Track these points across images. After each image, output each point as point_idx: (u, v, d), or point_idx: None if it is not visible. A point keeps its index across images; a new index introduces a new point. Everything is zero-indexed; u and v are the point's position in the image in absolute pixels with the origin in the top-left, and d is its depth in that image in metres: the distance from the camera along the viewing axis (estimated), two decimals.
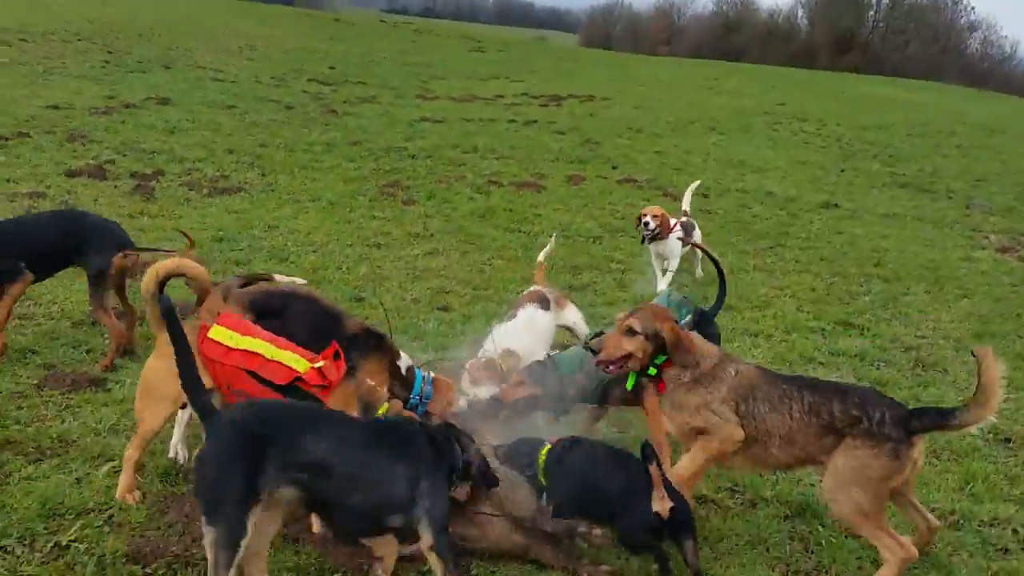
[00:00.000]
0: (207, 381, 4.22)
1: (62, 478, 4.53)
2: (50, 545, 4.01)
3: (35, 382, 5.55)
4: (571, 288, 8.28)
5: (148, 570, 3.93)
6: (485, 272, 8.65)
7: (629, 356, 4.44)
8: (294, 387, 4.24)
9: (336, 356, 4.37)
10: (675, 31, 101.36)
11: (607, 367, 4.53)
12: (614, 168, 14.73)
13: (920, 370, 7.05)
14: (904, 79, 47.06)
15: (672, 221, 8.52)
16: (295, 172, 12.31)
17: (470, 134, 16.74)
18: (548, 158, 15.11)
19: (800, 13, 79.05)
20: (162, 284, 4.32)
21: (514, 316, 5.96)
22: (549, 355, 5.36)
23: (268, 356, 4.27)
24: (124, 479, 4.43)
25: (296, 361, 4.29)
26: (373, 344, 4.71)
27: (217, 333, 4.25)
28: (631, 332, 4.43)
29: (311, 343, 4.47)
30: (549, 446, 4.45)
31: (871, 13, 70.76)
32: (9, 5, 27.55)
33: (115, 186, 10.63)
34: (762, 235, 10.96)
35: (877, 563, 4.31)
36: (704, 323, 5.52)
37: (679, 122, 20.34)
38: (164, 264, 4.35)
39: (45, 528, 4.13)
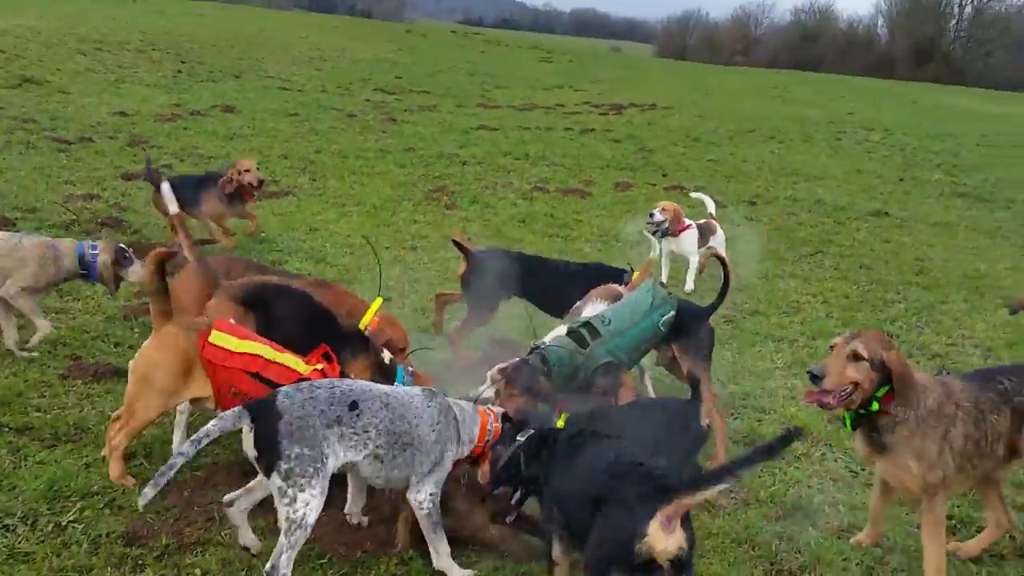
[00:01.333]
0: (202, 390, 4.42)
1: (72, 463, 4.71)
2: (50, 525, 4.18)
3: (60, 372, 5.78)
4: None
5: (140, 551, 4.07)
6: None
7: (856, 386, 3.96)
8: None
9: (327, 357, 4.49)
10: (752, 41, 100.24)
11: (827, 400, 3.99)
12: (664, 175, 14.66)
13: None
14: (986, 90, 45.84)
15: (687, 221, 8.46)
16: (345, 177, 12.55)
17: (524, 142, 16.83)
18: (599, 165, 15.12)
19: (880, 22, 77.62)
20: (161, 273, 4.45)
21: (578, 312, 5.77)
22: (538, 345, 5.20)
23: (270, 358, 4.39)
24: (115, 466, 4.54)
25: (296, 363, 4.42)
26: (362, 344, 4.91)
27: (218, 338, 4.35)
28: (856, 358, 3.95)
29: (304, 340, 4.63)
30: None
31: (953, 23, 69.01)
32: (87, 16, 28.55)
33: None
34: (804, 242, 10.80)
35: (862, 564, 4.27)
36: (696, 321, 5.50)
37: (739, 131, 20.14)
38: (159, 251, 4.48)
39: (48, 509, 4.30)
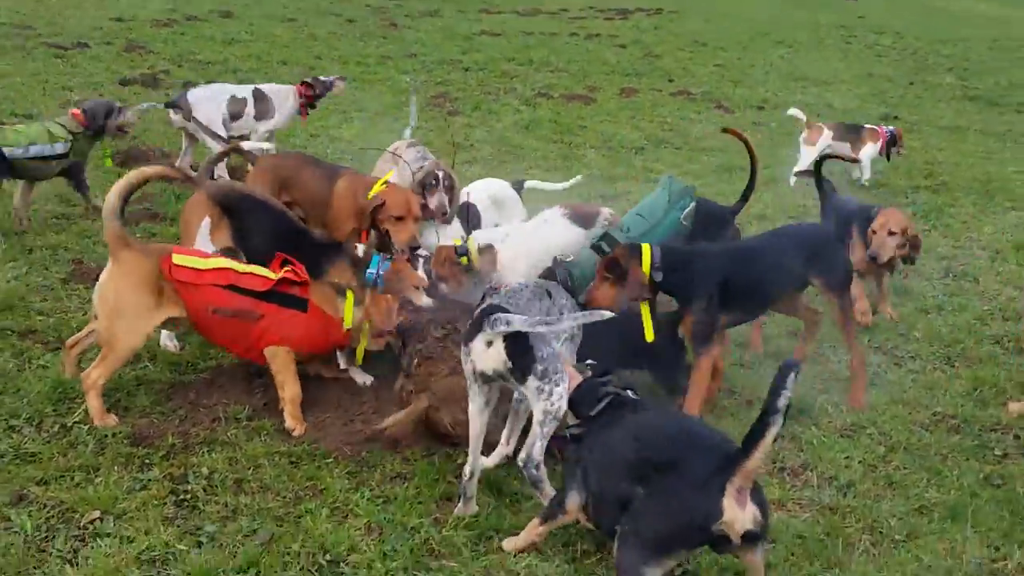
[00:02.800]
0: (176, 310, 4.33)
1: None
2: (56, 426, 4.21)
3: (62, 276, 5.76)
4: (603, 198, 8.19)
5: (147, 451, 4.09)
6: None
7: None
8: (276, 293, 4.38)
9: (284, 263, 4.48)
10: None
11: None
12: (670, 81, 14.40)
13: (949, 279, 6.90)
14: None
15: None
16: (346, 83, 12.30)
17: (528, 48, 16.50)
18: (604, 71, 14.83)
19: None
20: (126, 198, 4.33)
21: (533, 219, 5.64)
22: (559, 260, 5.06)
23: (240, 270, 4.40)
24: (94, 403, 4.25)
25: (264, 272, 4.44)
26: (334, 249, 4.95)
27: (181, 259, 4.29)
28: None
29: (271, 253, 4.63)
30: None
31: None
32: None
33: (166, 94, 10.77)
34: None
35: (864, 462, 4.30)
36: (723, 221, 5.39)
37: (748, 36, 19.71)
38: (130, 176, 4.38)
39: (54, 410, 4.33)
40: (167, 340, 5.03)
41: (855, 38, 20.33)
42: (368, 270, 4.81)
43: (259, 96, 7.98)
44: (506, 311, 3.58)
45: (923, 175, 9.75)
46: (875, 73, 16.23)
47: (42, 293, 5.51)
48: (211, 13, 17.06)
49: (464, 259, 5.21)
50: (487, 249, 5.27)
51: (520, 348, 3.55)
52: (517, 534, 3.65)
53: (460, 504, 3.80)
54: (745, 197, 5.50)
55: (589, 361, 4.01)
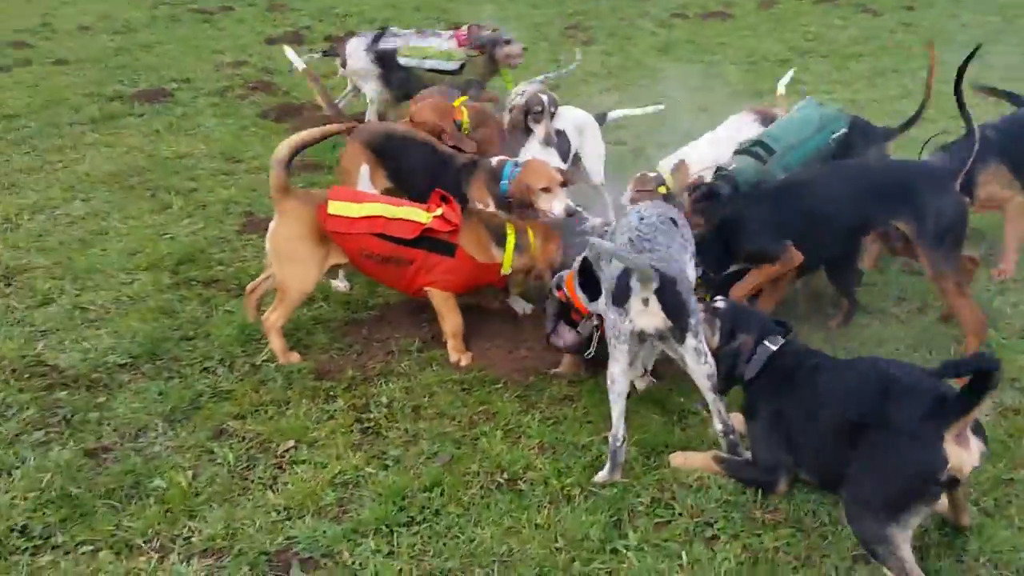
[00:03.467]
0: (338, 256, 4.54)
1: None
2: (246, 366, 4.52)
3: (236, 228, 6.11)
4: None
5: (330, 384, 4.36)
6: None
7: None
8: (425, 239, 4.46)
9: (444, 199, 4.55)
10: None
11: None
12: None
13: None
14: None
15: None
16: (480, 22, 12.36)
17: None
18: None
19: None
20: (297, 151, 4.47)
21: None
22: (721, 169, 4.93)
23: (391, 216, 4.47)
24: (276, 343, 4.52)
25: (417, 214, 4.50)
26: (472, 169, 5.07)
27: (336, 207, 4.41)
28: None
29: (428, 181, 4.84)
30: None
31: None
32: None
33: (310, 49, 11.11)
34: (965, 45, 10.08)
35: None
36: (871, 141, 5.22)
37: None
38: (304, 134, 4.52)
39: (242, 351, 4.64)
40: (338, 282, 5.29)
41: None
42: (501, 182, 4.90)
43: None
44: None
45: None
46: None
47: (219, 245, 5.87)
48: None
49: (662, 188, 5.11)
50: (679, 165, 5.24)
51: (677, 302, 3.47)
52: (686, 450, 3.73)
53: (606, 472, 3.61)
54: (907, 125, 5.27)
55: (719, 298, 3.85)
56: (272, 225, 4.53)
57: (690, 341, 3.50)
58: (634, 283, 3.47)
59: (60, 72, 9.80)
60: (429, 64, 7.17)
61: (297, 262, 4.48)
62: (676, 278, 3.51)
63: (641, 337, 3.57)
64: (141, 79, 9.56)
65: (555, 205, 4.74)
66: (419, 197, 4.74)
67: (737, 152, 5.00)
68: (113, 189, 6.73)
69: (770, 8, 12.55)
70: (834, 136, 5.04)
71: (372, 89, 7.56)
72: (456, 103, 5.79)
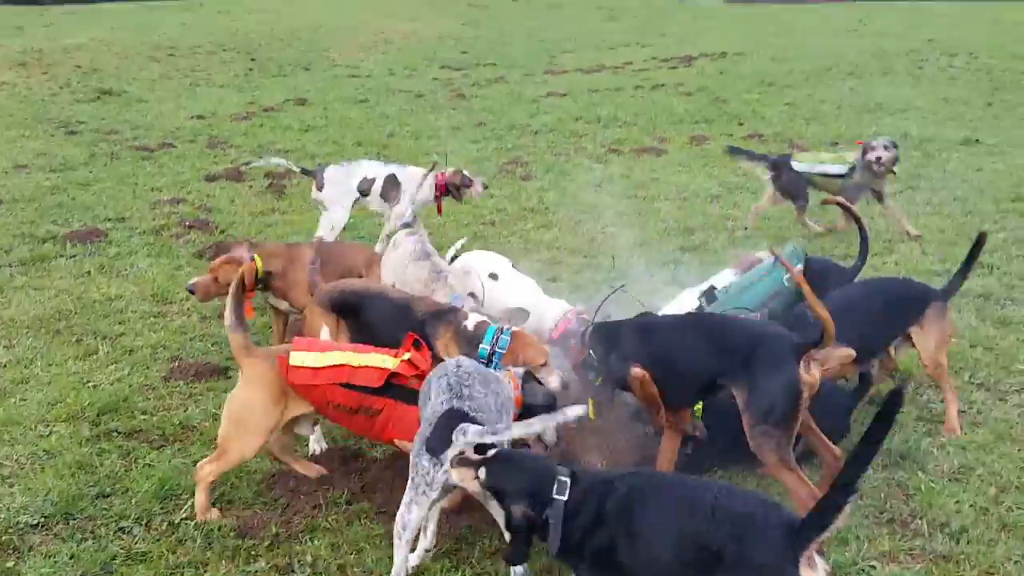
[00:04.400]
0: (302, 407, 4.37)
1: (181, 462, 4.86)
2: (164, 524, 4.34)
3: (163, 375, 5.97)
4: (683, 249, 8.21)
5: (252, 542, 4.19)
6: (596, 240, 8.65)
7: None
8: (390, 386, 4.25)
9: (416, 344, 4.41)
10: None
11: None
12: (740, 125, 14.35)
13: None
14: None
15: None
16: (419, 159, 12.59)
17: (594, 104, 16.64)
18: (672, 121, 14.86)
19: None
20: (238, 308, 4.38)
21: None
22: (710, 290, 5.19)
23: (356, 364, 4.29)
24: (201, 499, 4.38)
25: (383, 360, 4.32)
26: (440, 317, 4.84)
27: (298, 359, 4.27)
28: None
29: (390, 333, 4.68)
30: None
31: None
32: (157, 24, 29.15)
33: (249, 187, 11.19)
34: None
35: (975, 506, 4.16)
36: (841, 282, 5.36)
37: (815, 71, 19.55)
38: (232, 291, 4.41)
39: (161, 508, 4.46)
40: (315, 444, 5.08)
41: (926, 62, 20.01)
42: (481, 346, 4.61)
43: (391, 179, 8.11)
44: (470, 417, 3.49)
45: (1010, 199, 9.48)
46: (950, 97, 15.90)
47: (144, 392, 5.72)
48: (286, 103, 17.66)
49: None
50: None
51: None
52: None
53: None
54: (862, 256, 5.57)
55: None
56: (235, 390, 4.43)
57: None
58: (456, 435, 3.40)
59: None
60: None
61: (245, 430, 4.33)
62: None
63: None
64: (75, 219, 9.49)
65: (552, 380, 4.56)
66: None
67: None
68: (39, 334, 6.58)
69: (702, 144, 12.96)
70: (786, 276, 5.13)
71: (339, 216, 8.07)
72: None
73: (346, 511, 4.46)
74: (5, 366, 6.04)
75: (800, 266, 5.31)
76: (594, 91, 18.36)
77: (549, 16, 40.92)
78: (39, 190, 10.65)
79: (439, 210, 8.31)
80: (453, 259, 6.21)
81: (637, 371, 4.21)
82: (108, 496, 4.56)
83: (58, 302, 7.19)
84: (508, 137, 14.01)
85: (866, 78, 18.43)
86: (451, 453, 3.41)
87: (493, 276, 5.73)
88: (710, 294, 5.24)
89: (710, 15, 41.41)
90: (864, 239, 5.60)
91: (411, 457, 3.65)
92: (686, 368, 4.19)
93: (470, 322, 4.74)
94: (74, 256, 8.31)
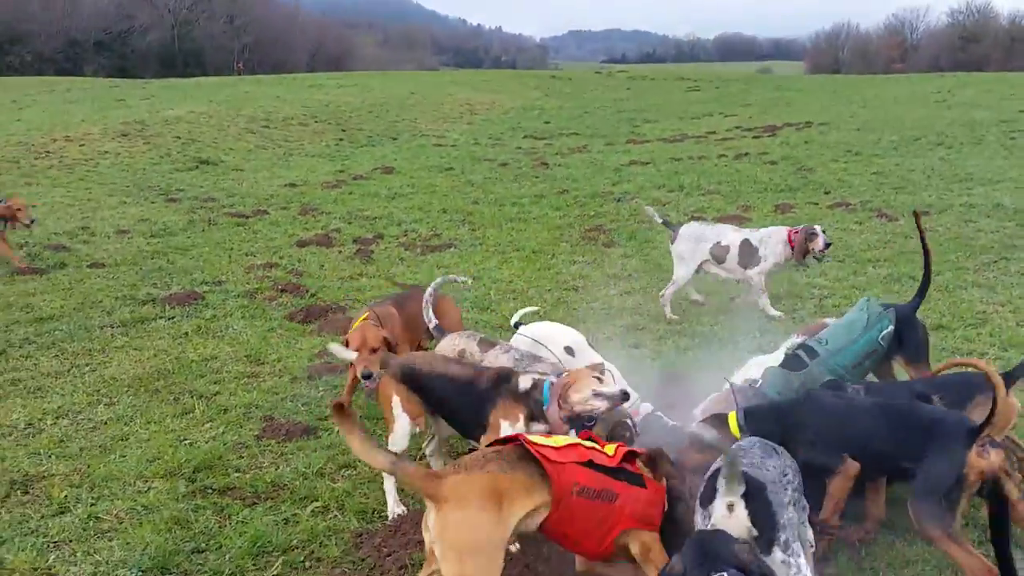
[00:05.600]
0: (547, 495, 3.71)
1: (272, 519, 4.97)
2: None
3: (255, 433, 6.12)
4: (770, 318, 8.15)
5: None
6: (680, 307, 8.65)
7: None
8: (621, 470, 3.90)
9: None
10: (909, 47, 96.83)
11: None
12: (826, 193, 14.25)
13: None
14: None
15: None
16: (503, 225, 12.82)
17: (677, 173, 16.74)
18: (756, 189, 14.85)
19: None
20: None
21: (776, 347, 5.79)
22: (805, 343, 5.29)
23: (586, 446, 3.93)
24: None
25: (600, 446, 3.99)
26: (493, 388, 4.81)
27: (535, 439, 3.85)
28: None
29: (461, 406, 4.82)
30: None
31: None
32: (252, 98, 30.30)
33: (339, 251, 11.50)
34: (986, 249, 10.22)
35: None
36: (909, 321, 5.43)
37: (902, 140, 19.36)
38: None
39: (253, 564, 4.55)
40: (394, 507, 5.06)
41: (1018, 133, 19.62)
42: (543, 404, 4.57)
43: (746, 245, 8.46)
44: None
45: None
46: None
47: (238, 451, 5.86)
48: (375, 171, 18.20)
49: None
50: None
51: (764, 513, 3.37)
52: None
53: None
54: (922, 291, 5.69)
55: None
56: (432, 522, 3.60)
57: (777, 554, 3.35)
58: (720, 483, 3.41)
59: (95, 275, 10.14)
60: None
61: (483, 549, 3.56)
62: (766, 485, 3.44)
63: None
64: (174, 282, 9.87)
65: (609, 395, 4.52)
66: (459, 425, 4.80)
67: (785, 357, 5.19)
68: (138, 393, 6.82)
69: (787, 212, 12.89)
70: (883, 334, 5.26)
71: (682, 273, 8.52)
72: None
73: None
74: (107, 423, 6.27)
75: (891, 327, 5.29)
76: (676, 160, 18.48)
77: (631, 88, 41.41)
78: (140, 254, 11.12)
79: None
80: (517, 325, 6.15)
81: (852, 464, 4.27)
82: (203, 552, 4.67)
83: (157, 362, 7.46)
84: (590, 205, 14.15)
85: (956, 148, 18.16)
86: (718, 501, 3.42)
87: (568, 350, 5.74)
88: (809, 349, 5.22)
89: (793, 85, 41.44)
90: (927, 273, 5.75)
91: None
92: (876, 453, 4.29)
93: (522, 382, 4.74)
94: (172, 318, 8.63)
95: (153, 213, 13.84)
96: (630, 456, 3.96)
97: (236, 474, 5.53)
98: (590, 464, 3.77)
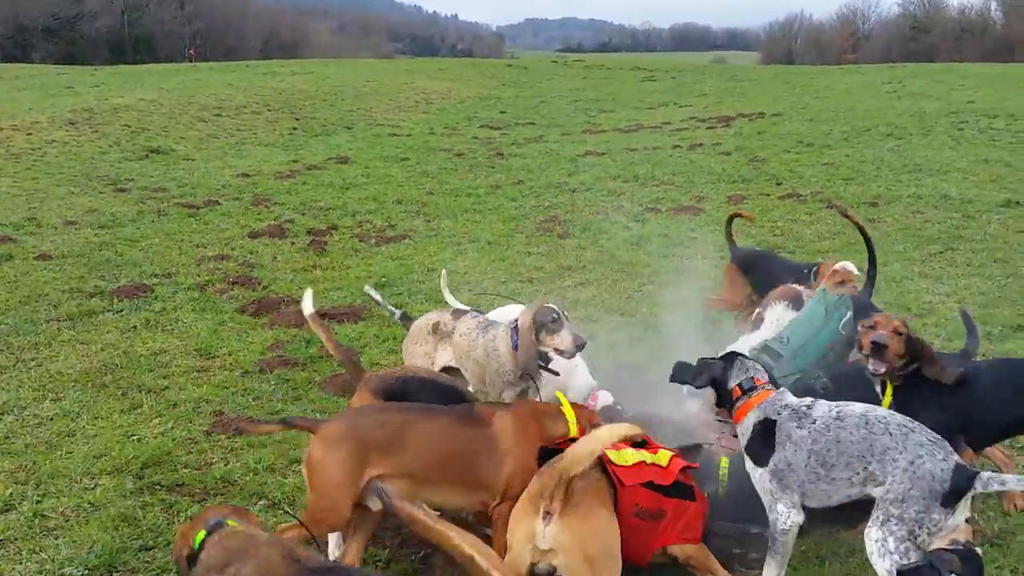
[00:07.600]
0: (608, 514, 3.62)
1: None
2: None
3: (205, 429, 6.05)
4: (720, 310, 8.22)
5: None
6: (633, 299, 8.70)
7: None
8: (677, 486, 3.88)
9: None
10: (860, 38, 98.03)
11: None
12: (778, 184, 14.39)
13: None
14: None
15: None
16: (458, 216, 12.78)
17: (632, 164, 16.81)
18: (710, 180, 14.95)
19: (993, 7, 75.00)
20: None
21: (760, 321, 5.79)
22: (767, 345, 5.21)
23: (649, 461, 3.87)
24: None
25: (651, 457, 3.93)
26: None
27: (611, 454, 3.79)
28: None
29: None
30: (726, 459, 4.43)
31: None
32: (204, 85, 29.86)
33: (292, 243, 11.40)
34: (932, 240, 10.39)
35: (1017, 571, 4.08)
36: (865, 308, 5.39)
37: (853, 131, 19.59)
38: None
39: None
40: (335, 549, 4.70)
41: (966, 124, 19.93)
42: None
43: None
44: None
45: None
46: (991, 158, 15.81)
47: (187, 446, 5.79)
48: (329, 161, 18.06)
49: None
50: None
51: None
52: None
53: None
54: (870, 279, 5.79)
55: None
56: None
57: None
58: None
59: (42, 267, 9.94)
60: None
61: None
62: None
63: None
64: (122, 274, 9.71)
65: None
66: None
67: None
68: (85, 388, 6.71)
69: (739, 204, 12.99)
70: (842, 322, 5.20)
71: None
72: None
73: None
74: (53, 419, 6.16)
75: (850, 313, 5.30)
76: (632, 150, 18.55)
77: (588, 77, 41.49)
78: (88, 246, 10.93)
79: None
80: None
81: None
82: (151, 549, 4.61)
83: (104, 356, 7.34)
84: (545, 195, 14.17)
85: (906, 139, 18.41)
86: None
87: None
88: (771, 351, 5.20)
89: (747, 76, 41.77)
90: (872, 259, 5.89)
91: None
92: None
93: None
94: (121, 311, 8.50)
95: (102, 203, 13.60)
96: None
97: (185, 470, 5.47)
98: (649, 485, 3.77)
